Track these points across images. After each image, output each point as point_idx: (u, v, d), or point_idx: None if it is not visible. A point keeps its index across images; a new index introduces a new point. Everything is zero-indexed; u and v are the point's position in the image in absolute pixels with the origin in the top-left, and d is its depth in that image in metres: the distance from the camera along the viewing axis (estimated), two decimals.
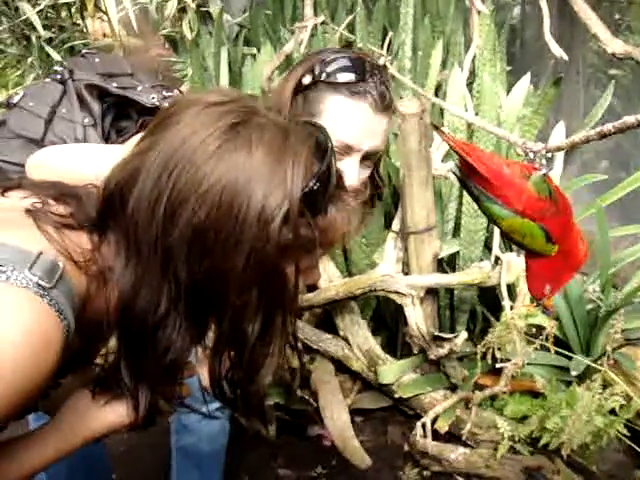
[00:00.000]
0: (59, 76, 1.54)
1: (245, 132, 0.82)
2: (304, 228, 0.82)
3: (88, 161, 1.23)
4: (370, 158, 1.42)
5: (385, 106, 1.40)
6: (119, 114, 1.53)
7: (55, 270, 0.78)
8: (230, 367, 0.88)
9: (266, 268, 0.81)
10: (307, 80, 1.40)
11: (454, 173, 1.31)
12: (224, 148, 0.81)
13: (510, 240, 1.38)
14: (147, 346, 0.84)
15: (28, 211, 0.84)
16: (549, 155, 1.24)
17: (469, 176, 1.27)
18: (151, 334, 0.83)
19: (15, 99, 1.51)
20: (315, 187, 0.82)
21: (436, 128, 1.29)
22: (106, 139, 1.50)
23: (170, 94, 1.54)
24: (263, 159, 0.80)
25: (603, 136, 1.14)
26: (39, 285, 0.76)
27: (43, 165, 1.32)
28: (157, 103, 1.47)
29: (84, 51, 1.62)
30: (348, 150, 1.38)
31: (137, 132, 1.41)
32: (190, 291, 0.82)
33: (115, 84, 1.53)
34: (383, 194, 1.76)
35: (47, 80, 1.57)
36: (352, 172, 1.39)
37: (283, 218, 0.80)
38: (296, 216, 0.81)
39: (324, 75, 1.39)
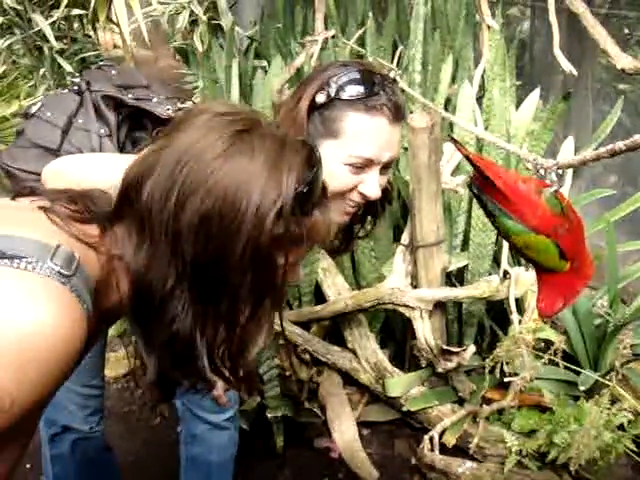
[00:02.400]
0: (76, 87, 1.56)
1: (249, 139, 0.95)
2: (294, 225, 0.95)
3: (102, 170, 1.25)
4: (388, 166, 1.46)
5: (400, 116, 1.43)
6: (134, 125, 1.55)
7: (72, 260, 0.88)
8: (224, 341, 1.00)
9: (260, 256, 0.94)
10: (321, 98, 1.41)
11: (468, 187, 1.31)
12: (230, 150, 0.94)
13: (523, 256, 1.38)
14: (156, 316, 0.97)
15: (41, 208, 0.93)
16: (560, 172, 1.25)
17: (484, 190, 1.28)
18: (159, 305, 0.95)
19: (33, 109, 1.54)
20: (304, 190, 0.95)
21: (454, 141, 1.29)
22: (121, 149, 1.53)
23: (184, 106, 1.56)
24: (263, 163, 0.94)
25: (614, 154, 1.14)
26: (60, 273, 0.84)
27: (58, 174, 1.34)
28: (172, 114, 1.50)
29: (101, 63, 1.64)
30: (369, 163, 1.41)
31: (152, 142, 1.43)
32: (194, 270, 0.94)
33: (131, 95, 1.55)
34: (392, 198, 1.79)
35: (65, 91, 1.59)
36: (373, 183, 1.43)
37: (277, 214, 0.92)
38: (288, 213, 0.93)
39: (337, 91, 1.40)
